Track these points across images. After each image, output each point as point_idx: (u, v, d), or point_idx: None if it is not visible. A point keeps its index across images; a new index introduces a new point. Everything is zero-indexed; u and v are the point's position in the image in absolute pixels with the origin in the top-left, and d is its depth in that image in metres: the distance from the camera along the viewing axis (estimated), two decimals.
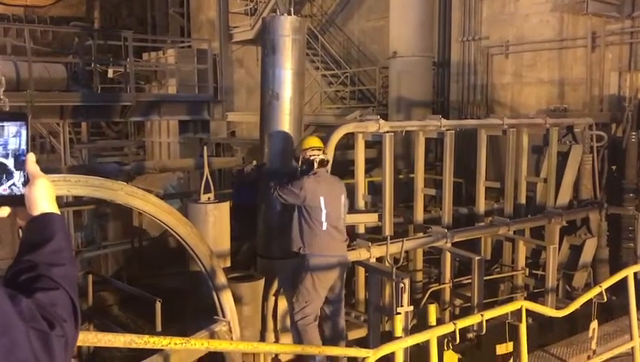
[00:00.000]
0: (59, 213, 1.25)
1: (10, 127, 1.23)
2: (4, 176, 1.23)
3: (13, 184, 1.23)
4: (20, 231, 1.37)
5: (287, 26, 5.50)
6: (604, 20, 9.97)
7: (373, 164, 9.11)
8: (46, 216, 1.22)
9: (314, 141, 5.34)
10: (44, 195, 1.24)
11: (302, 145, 5.36)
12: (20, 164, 1.23)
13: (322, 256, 5.09)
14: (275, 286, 5.55)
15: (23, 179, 1.23)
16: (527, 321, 4.60)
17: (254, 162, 7.30)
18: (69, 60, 13.53)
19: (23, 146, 1.24)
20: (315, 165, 5.14)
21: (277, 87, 5.54)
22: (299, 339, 5.12)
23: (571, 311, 4.95)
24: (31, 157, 1.25)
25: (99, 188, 3.79)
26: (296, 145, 5.50)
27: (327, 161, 5.30)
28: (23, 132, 1.24)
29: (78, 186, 3.68)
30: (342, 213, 5.28)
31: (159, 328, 5.61)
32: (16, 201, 1.24)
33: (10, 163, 1.23)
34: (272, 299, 5.53)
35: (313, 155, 5.17)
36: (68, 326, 1.07)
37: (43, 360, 1.00)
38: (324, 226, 5.08)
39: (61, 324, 1.05)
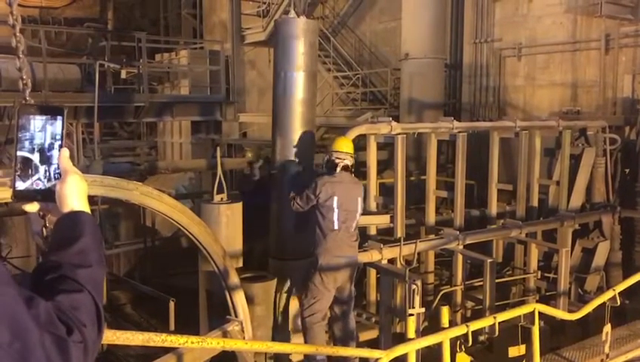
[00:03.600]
0: (89, 211, 1.22)
1: (37, 122, 1.23)
2: (30, 170, 1.23)
3: (39, 178, 1.23)
4: (43, 229, 1.38)
5: (299, 27, 5.53)
6: (618, 22, 9.92)
7: (385, 165, 9.11)
8: (75, 215, 1.19)
9: (345, 145, 5.29)
10: (75, 192, 1.21)
11: (333, 144, 5.33)
12: (46, 159, 1.23)
13: (332, 257, 5.11)
14: (287, 286, 5.58)
15: (48, 174, 1.23)
16: (539, 324, 4.60)
17: (259, 164, 7.33)
18: (83, 61, 13.65)
19: (49, 141, 1.23)
20: (338, 169, 5.15)
21: (289, 88, 5.56)
22: (305, 336, 5.16)
23: (584, 314, 4.94)
24: (64, 153, 1.23)
25: (115, 187, 3.81)
26: (311, 148, 5.50)
27: (352, 167, 5.28)
28: (49, 127, 1.23)
29: (94, 186, 3.70)
30: (357, 215, 5.26)
31: (172, 327, 5.65)
32: (43, 196, 1.24)
33: (35, 158, 1.23)
34: (283, 299, 5.56)
35: (339, 159, 5.17)
36: (88, 330, 1.03)
37: None
38: (336, 225, 5.08)
39: (80, 329, 1.02)
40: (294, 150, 5.57)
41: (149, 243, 9.13)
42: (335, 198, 5.07)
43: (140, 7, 22.71)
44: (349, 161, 5.20)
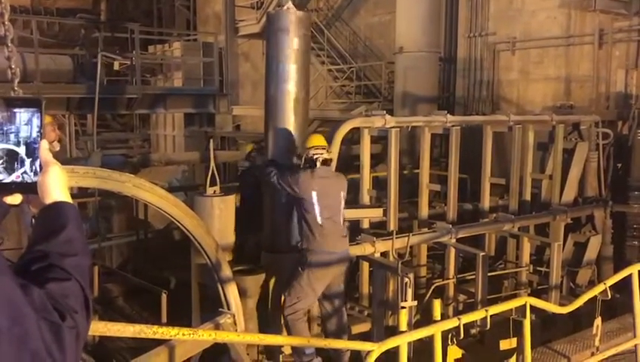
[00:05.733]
0: (71, 201, 1.24)
1: (23, 115, 1.23)
2: (16, 163, 1.22)
3: (25, 172, 1.23)
4: (32, 220, 1.38)
5: (291, 19, 5.49)
6: (612, 17, 9.94)
7: (378, 159, 9.11)
8: (58, 205, 1.21)
9: (318, 140, 5.28)
10: (57, 184, 1.23)
11: (306, 142, 5.31)
12: (32, 152, 1.23)
13: (320, 252, 5.08)
14: (279, 279, 5.57)
15: (34, 167, 1.23)
16: (530, 317, 4.62)
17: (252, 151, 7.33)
18: (76, 52, 13.55)
19: (35, 134, 1.23)
20: (318, 164, 5.12)
21: (281, 81, 5.53)
22: (288, 333, 5.14)
23: (575, 307, 4.96)
24: (44, 145, 1.24)
25: (107, 179, 3.81)
26: (300, 143, 5.44)
27: (330, 160, 5.27)
28: (35, 120, 1.23)
29: (86, 178, 3.70)
30: (340, 209, 5.24)
31: (164, 319, 5.65)
32: (29, 189, 1.23)
33: (21, 150, 1.22)
34: (275, 292, 5.55)
35: (317, 154, 5.14)
36: (79, 317, 1.06)
37: (54, 351, 0.98)
38: (319, 220, 5.06)
39: (72, 315, 1.04)
40: (284, 144, 5.54)
41: (141, 236, 9.10)
42: (314, 193, 5.04)
43: None
44: (326, 155, 5.19)
